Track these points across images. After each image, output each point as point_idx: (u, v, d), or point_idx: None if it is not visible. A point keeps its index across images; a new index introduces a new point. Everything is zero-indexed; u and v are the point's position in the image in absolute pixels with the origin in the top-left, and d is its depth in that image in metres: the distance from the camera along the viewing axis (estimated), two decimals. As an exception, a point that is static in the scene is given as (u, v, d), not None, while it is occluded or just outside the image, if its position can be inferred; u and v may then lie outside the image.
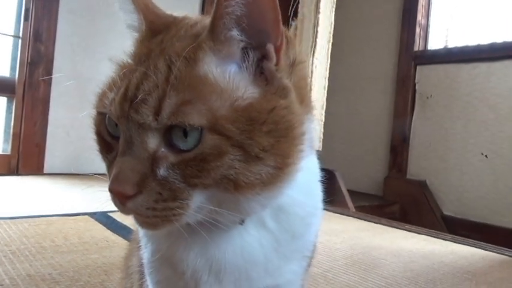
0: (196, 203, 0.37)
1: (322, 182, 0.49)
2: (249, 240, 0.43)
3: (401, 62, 2.63)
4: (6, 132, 2.17)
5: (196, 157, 0.36)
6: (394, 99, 2.66)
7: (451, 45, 2.48)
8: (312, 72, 2.04)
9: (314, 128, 0.45)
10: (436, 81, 2.45)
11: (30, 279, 0.79)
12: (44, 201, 1.61)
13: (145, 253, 0.47)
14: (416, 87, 2.54)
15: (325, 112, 2.13)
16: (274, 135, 0.37)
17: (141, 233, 0.47)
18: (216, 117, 0.36)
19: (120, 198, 0.37)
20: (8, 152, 2.13)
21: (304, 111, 0.41)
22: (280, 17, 0.37)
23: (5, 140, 2.16)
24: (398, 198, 2.58)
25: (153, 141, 0.37)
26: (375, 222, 1.70)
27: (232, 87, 0.37)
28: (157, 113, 0.35)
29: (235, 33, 0.38)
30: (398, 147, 2.65)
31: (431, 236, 1.51)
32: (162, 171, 0.36)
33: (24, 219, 1.24)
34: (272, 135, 0.37)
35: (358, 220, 1.74)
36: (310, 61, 2.03)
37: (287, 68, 0.40)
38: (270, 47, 0.38)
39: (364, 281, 0.96)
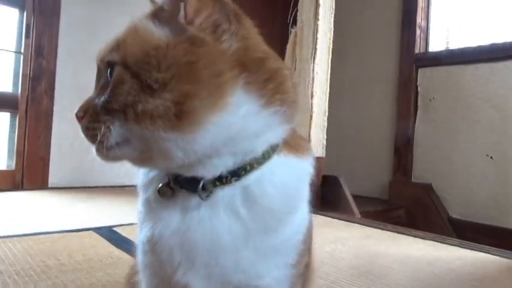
0: (118, 129, 0.45)
1: (327, 188, 0.54)
2: (219, 224, 0.46)
3: (403, 65, 2.62)
4: (10, 147, 2.18)
5: (113, 86, 0.45)
6: (396, 103, 2.66)
7: (452, 46, 2.47)
8: (312, 79, 2.04)
9: (289, 109, 0.49)
10: (438, 83, 2.44)
11: (35, 300, 0.79)
12: (48, 216, 1.61)
13: (138, 237, 0.51)
14: (419, 89, 2.54)
15: (329, 117, 2.13)
16: (172, 72, 0.43)
17: (139, 216, 0.52)
18: (125, 56, 0.45)
19: (78, 119, 0.49)
20: (13, 168, 2.14)
21: (235, 72, 0.45)
22: None
23: (9, 156, 2.18)
24: (404, 201, 2.57)
25: (102, 81, 0.48)
26: (380, 229, 1.69)
27: (146, 33, 0.47)
28: (102, 59, 0.49)
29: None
30: (403, 151, 2.64)
31: (438, 241, 1.50)
32: (96, 101, 0.47)
33: (29, 236, 1.24)
34: (170, 72, 0.43)
35: (364, 227, 1.73)
36: (311, 68, 2.03)
37: (209, 28, 0.46)
38: (182, 4, 0.46)
39: (370, 292, 0.95)
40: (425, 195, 2.46)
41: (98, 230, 1.36)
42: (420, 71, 2.54)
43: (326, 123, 2.11)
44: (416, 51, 2.55)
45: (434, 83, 2.46)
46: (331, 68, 2.11)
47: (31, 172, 2.13)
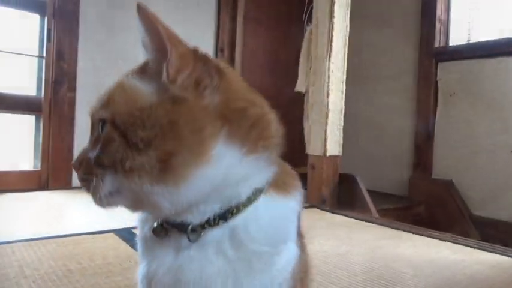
0: (109, 181, 0.49)
1: (343, 186, 0.57)
2: (208, 264, 0.50)
3: (422, 60, 2.57)
4: (36, 148, 2.27)
5: (102, 142, 0.48)
6: (416, 98, 2.61)
7: (473, 39, 2.41)
8: (328, 77, 2.03)
9: (266, 161, 0.52)
10: (459, 77, 2.39)
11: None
12: (72, 217, 1.68)
13: (137, 273, 0.55)
14: (439, 84, 2.48)
15: (346, 114, 2.12)
16: (155, 131, 0.46)
17: (138, 250, 0.56)
18: (113, 115, 0.48)
19: (75, 169, 0.52)
20: (38, 168, 2.23)
21: (217, 126, 0.48)
22: (168, 43, 0.48)
23: (35, 157, 2.26)
24: (424, 198, 2.54)
25: (95, 133, 0.51)
26: (396, 229, 1.68)
27: (132, 91, 0.50)
28: (94, 115, 0.51)
29: (144, 54, 0.52)
30: (423, 146, 2.60)
31: (457, 243, 1.48)
32: (89, 154, 0.50)
33: (53, 239, 1.30)
34: (153, 131, 0.46)
35: (380, 227, 1.72)
36: (326, 66, 2.02)
37: (191, 85, 0.48)
38: (165, 65, 0.48)
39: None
40: (446, 192, 2.42)
41: (119, 232, 1.41)
42: (440, 65, 2.48)
43: (342, 121, 2.10)
44: (436, 45, 2.50)
45: (455, 77, 2.41)
46: (347, 63, 2.09)
47: (56, 172, 2.21)
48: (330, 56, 2.02)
